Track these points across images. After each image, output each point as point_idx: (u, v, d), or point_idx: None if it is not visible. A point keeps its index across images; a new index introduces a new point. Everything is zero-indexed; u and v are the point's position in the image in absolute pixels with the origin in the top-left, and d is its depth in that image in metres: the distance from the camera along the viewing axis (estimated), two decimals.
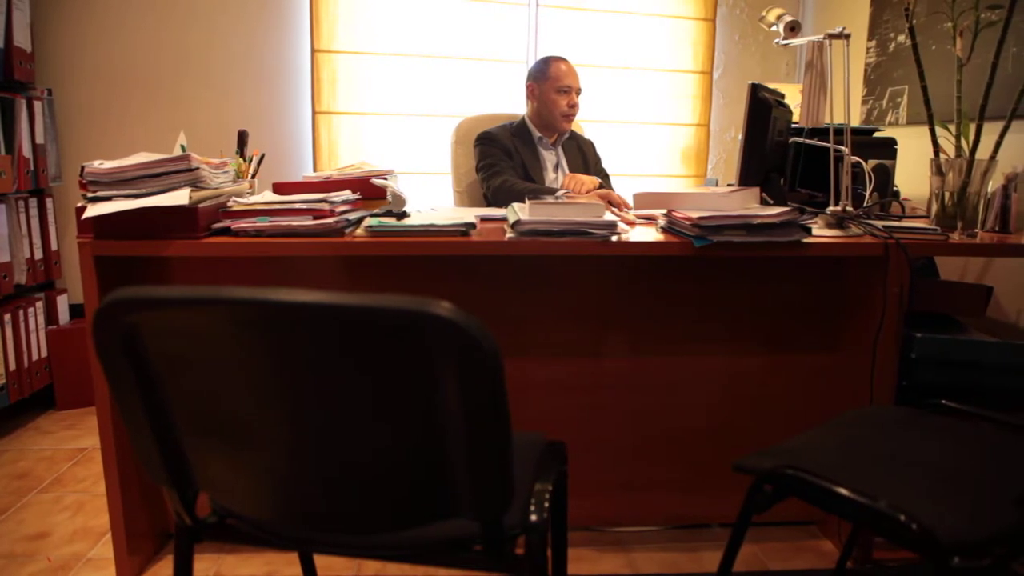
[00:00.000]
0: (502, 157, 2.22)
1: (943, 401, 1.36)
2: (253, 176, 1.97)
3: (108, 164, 1.44)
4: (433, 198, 2.91)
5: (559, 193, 1.97)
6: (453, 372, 0.74)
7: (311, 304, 0.73)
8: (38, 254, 2.46)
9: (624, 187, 2.60)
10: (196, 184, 1.47)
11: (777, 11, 2.01)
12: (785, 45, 1.92)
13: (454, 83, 2.97)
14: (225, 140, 2.01)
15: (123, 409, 0.86)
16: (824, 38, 1.65)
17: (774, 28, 1.99)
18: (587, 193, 1.98)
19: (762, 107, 1.76)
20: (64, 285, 2.69)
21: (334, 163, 2.86)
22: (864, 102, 2.78)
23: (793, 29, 1.95)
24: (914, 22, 2.43)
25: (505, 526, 0.87)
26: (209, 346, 0.79)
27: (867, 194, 1.91)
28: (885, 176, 2.02)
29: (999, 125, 2.03)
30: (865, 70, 2.77)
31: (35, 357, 2.41)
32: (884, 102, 2.66)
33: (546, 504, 0.95)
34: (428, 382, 0.75)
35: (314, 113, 2.82)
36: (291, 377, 0.78)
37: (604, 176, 2.45)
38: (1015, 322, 2.03)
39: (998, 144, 1.58)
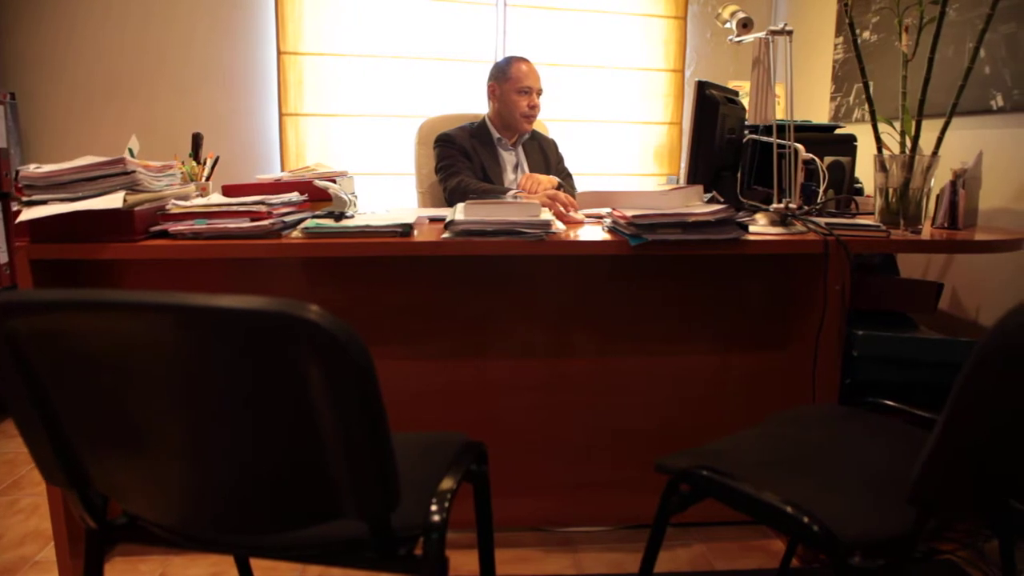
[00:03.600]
0: (459, 158, 2.22)
1: (876, 399, 1.36)
2: (207, 178, 1.98)
3: (44, 168, 1.44)
4: (400, 199, 2.91)
5: (511, 193, 1.97)
6: (323, 374, 0.73)
7: (178, 306, 0.73)
8: (2, 258, 2.47)
9: (594, 187, 2.59)
10: (133, 187, 1.47)
11: (731, 8, 2.00)
12: (739, 42, 1.92)
13: (422, 84, 2.98)
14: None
15: (14, 413, 0.86)
16: (767, 34, 1.64)
17: (728, 25, 1.99)
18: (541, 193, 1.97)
19: (709, 105, 1.75)
20: None
21: (301, 165, 2.86)
22: (832, 99, 2.77)
23: (746, 26, 1.94)
24: (875, 20, 2.42)
25: (398, 526, 0.87)
26: (92, 349, 0.79)
27: (821, 191, 1.90)
28: (840, 173, 2.02)
29: (954, 121, 2.03)
30: (833, 67, 2.76)
31: None
32: (851, 98, 2.64)
33: (447, 504, 0.95)
34: (300, 384, 0.75)
35: (281, 115, 2.83)
36: (173, 380, 0.78)
37: (566, 176, 2.44)
38: (974, 319, 2.02)
39: (939, 140, 1.57)
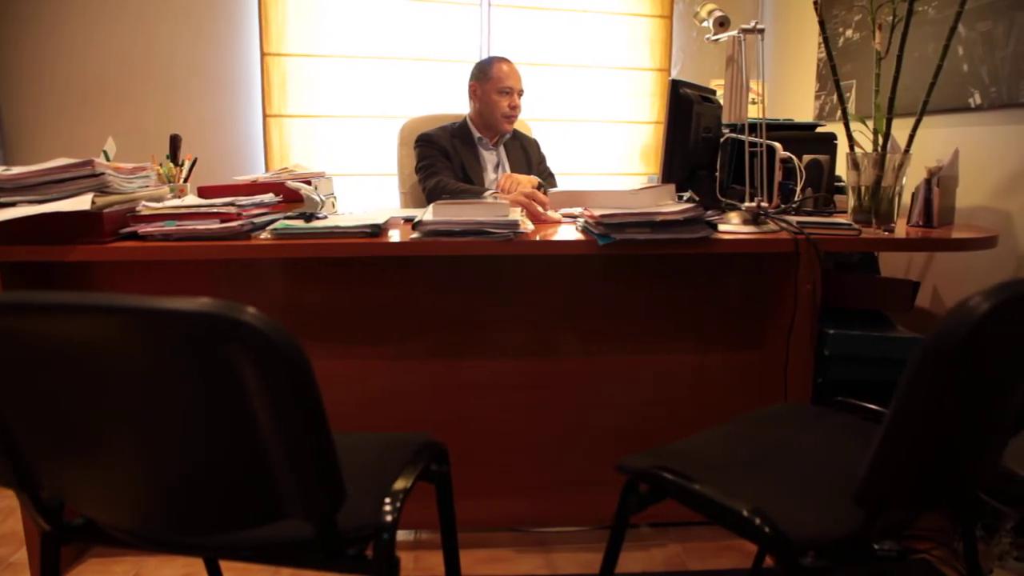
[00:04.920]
0: (439, 158, 2.22)
1: (845, 399, 1.35)
2: (185, 180, 1.98)
3: (13, 170, 1.44)
4: (383, 200, 2.91)
5: (488, 193, 1.97)
6: (259, 375, 0.73)
7: (115, 307, 0.73)
8: None
9: (578, 186, 2.58)
10: (103, 189, 1.47)
11: (709, 6, 1.99)
12: (716, 40, 1.91)
13: (407, 84, 2.98)
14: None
15: None
16: (739, 33, 1.64)
17: (705, 23, 1.98)
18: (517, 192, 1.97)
19: (683, 104, 1.75)
20: None
21: (285, 166, 2.86)
22: (817, 97, 2.76)
23: (722, 24, 1.93)
24: (858, 19, 2.42)
25: (349, 526, 0.88)
26: (35, 351, 0.79)
27: (798, 189, 1.89)
28: (819, 171, 2.01)
29: (933, 119, 2.02)
30: (818, 65, 2.76)
31: None
32: (835, 97, 2.63)
33: (399, 504, 0.95)
34: (239, 385, 0.74)
35: (265, 116, 2.83)
36: (115, 382, 0.78)
37: (548, 176, 2.44)
38: None
39: (911, 138, 1.57)
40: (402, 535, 1.74)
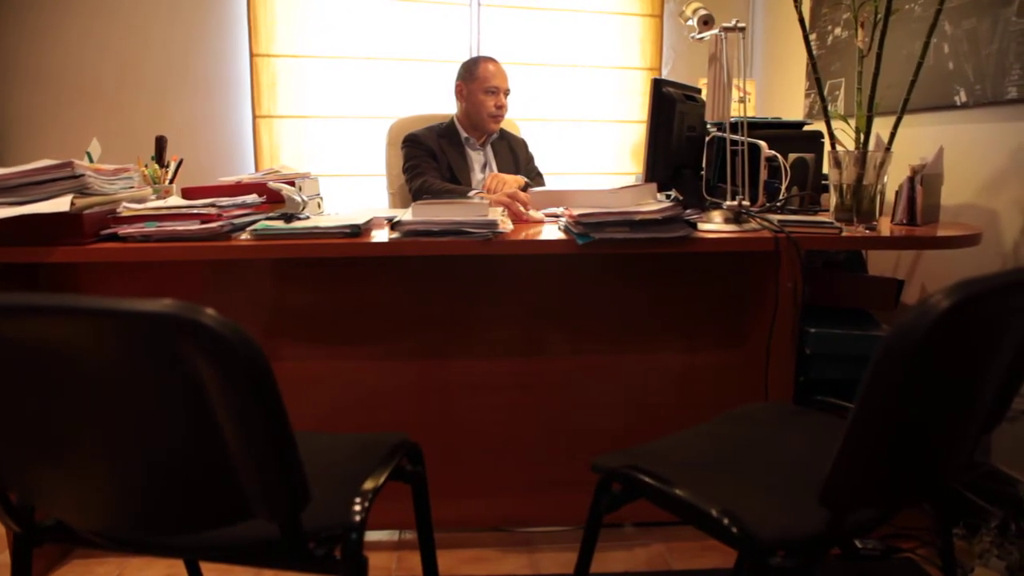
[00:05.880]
0: (426, 158, 2.22)
1: (825, 398, 1.35)
2: (171, 181, 1.98)
3: None
4: (373, 200, 2.91)
5: (471, 193, 1.97)
6: (219, 375, 0.73)
7: (75, 308, 0.73)
8: None
9: (566, 187, 2.58)
10: (83, 191, 1.47)
11: (694, 5, 1.99)
12: (701, 39, 1.91)
13: (397, 85, 2.98)
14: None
15: None
16: (720, 31, 1.64)
17: (690, 22, 1.98)
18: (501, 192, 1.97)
19: (666, 103, 1.75)
20: None
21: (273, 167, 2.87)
22: (807, 95, 2.76)
23: (706, 23, 1.93)
24: (846, 16, 2.41)
25: (317, 526, 0.88)
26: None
27: (783, 188, 1.89)
28: (804, 170, 2.01)
29: (919, 117, 2.02)
30: (807, 64, 2.75)
31: None
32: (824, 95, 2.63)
33: (368, 504, 0.95)
34: (199, 385, 0.75)
35: (254, 117, 2.84)
36: (79, 383, 0.78)
37: (536, 175, 2.44)
38: None
39: (892, 136, 1.57)
40: (385, 535, 1.74)
